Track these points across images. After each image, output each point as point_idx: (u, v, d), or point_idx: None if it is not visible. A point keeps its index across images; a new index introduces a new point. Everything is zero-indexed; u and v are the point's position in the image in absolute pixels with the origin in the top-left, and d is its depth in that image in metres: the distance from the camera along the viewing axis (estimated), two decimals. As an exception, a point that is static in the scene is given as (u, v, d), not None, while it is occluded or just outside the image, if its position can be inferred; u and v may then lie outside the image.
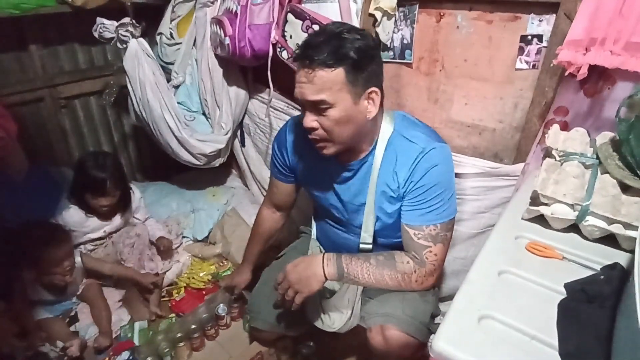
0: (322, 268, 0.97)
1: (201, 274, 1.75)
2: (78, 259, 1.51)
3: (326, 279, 0.98)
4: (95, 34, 1.50)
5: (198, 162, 1.74)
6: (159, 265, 1.67)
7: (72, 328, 1.46)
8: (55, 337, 1.39)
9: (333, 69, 0.85)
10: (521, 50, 1.14)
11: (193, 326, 1.43)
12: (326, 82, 0.86)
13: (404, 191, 0.98)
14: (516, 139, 1.24)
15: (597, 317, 0.61)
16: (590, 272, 0.73)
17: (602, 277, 0.68)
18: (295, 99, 0.94)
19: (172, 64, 1.77)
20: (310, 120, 0.91)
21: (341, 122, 0.90)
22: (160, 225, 1.75)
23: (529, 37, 1.11)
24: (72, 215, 1.52)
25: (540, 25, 1.09)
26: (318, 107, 0.89)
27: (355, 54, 0.86)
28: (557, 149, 0.94)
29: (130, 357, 1.37)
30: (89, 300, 1.53)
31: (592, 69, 0.94)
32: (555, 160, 0.93)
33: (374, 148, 0.99)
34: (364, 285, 1.03)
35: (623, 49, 0.90)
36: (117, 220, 1.62)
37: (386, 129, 0.99)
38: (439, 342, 0.63)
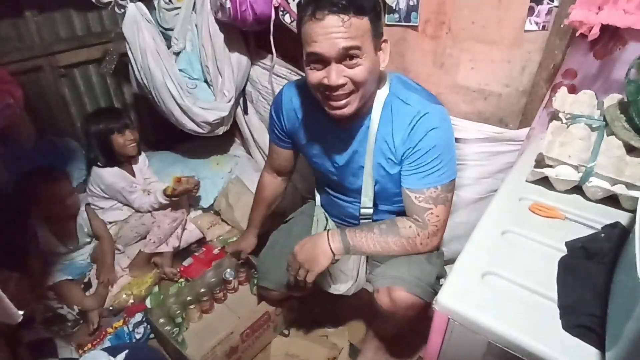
0: (328, 245, 0.98)
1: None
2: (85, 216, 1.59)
3: (334, 255, 0.98)
4: (92, -2, 1.46)
5: (201, 130, 1.74)
6: (182, 240, 1.75)
7: (86, 294, 1.52)
8: (72, 301, 1.45)
9: (363, 16, 0.83)
10: (531, 11, 1.11)
11: (202, 290, 1.48)
12: (358, 30, 0.83)
13: (401, 155, 0.98)
14: (522, 103, 1.22)
15: (596, 272, 0.63)
16: (591, 231, 0.75)
17: (602, 235, 0.70)
18: (309, 59, 0.88)
19: (171, 29, 1.73)
20: (338, 77, 0.86)
21: (370, 72, 0.88)
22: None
23: (540, -3, 1.08)
24: (110, 173, 1.59)
25: (553, -17, 1.06)
26: (349, 57, 0.85)
27: (376, 3, 0.87)
28: (564, 112, 0.94)
29: (144, 319, 1.43)
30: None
31: (604, 29, 0.92)
32: (562, 122, 0.93)
33: (370, 110, 0.99)
34: (371, 254, 1.04)
35: (637, 8, 0.87)
36: (140, 166, 1.72)
37: (382, 90, 0.98)
38: (443, 296, 0.66)
